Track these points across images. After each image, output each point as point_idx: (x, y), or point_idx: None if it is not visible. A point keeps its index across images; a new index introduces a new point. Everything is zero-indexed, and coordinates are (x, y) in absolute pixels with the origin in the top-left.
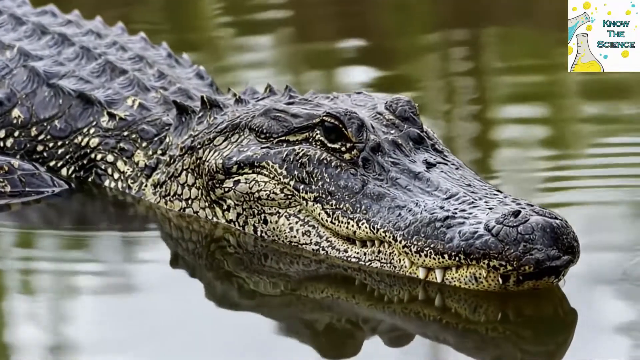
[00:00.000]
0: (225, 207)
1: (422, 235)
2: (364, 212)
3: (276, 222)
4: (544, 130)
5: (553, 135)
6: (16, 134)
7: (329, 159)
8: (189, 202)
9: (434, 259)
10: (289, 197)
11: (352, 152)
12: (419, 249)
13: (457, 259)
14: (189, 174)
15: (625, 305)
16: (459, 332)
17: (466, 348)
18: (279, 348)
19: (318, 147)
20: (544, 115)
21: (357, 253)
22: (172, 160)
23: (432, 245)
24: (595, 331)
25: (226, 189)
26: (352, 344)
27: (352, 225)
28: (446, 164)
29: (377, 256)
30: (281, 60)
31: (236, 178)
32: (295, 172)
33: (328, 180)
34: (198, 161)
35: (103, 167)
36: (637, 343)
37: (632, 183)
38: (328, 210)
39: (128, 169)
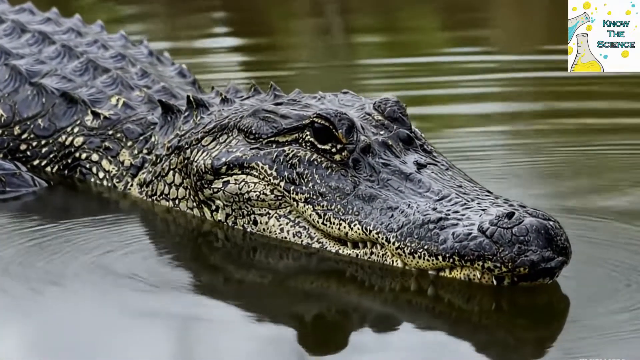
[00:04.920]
0: (213, 207)
1: (416, 236)
2: (356, 213)
3: (266, 223)
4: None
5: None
6: None
7: (319, 160)
8: (177, 201)
9: (428, 260)
10: (279, 198)
11: (343, 154)
12: (412, 250)
13: (451, 260)
14: (176, 174)
15: (619, 292)
16: (452, 320)
17: (458, 334)
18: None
19: (308, 148)
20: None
21: (349, 255)
22: (158, 160)
23: (425, 247)
24: (588, 318)
25: (215, 190)
26: (341, 333)
27: (344, 227)
28: (436, 165)
29: (369, 257)
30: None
31: (225, 179)
32: (286, 173)
33: (319, 181)
34: (186, 161)
35: (88, 166)
36: (632, 329)
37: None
38: (319, 211)
39: (113, 168)
